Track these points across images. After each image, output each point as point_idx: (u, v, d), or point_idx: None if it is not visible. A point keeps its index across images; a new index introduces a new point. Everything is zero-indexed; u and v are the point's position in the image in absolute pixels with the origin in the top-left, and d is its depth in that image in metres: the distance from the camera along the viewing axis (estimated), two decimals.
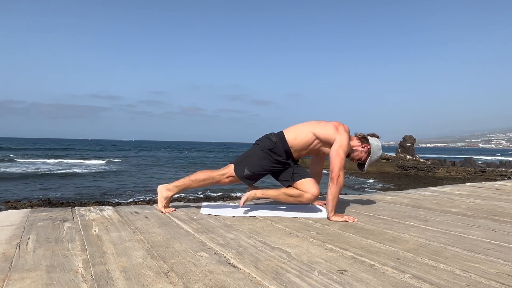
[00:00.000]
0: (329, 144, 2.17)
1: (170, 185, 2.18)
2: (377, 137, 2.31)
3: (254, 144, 2.27)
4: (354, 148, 2.23)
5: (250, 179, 2.17)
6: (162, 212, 2.11)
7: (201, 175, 2.17)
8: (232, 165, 2.19)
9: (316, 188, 2.12)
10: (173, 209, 2.18)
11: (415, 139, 28.37)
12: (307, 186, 2.11)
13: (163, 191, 2.17)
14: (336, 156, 2.08)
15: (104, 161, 30.11)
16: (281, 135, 2.19)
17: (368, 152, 2.25)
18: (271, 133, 2.24)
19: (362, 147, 2.24)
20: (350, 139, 2.20)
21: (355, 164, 2.33)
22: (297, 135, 2.18)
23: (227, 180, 2.18)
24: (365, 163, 2.27)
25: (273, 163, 2.15)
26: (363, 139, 2.26)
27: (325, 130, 2.17)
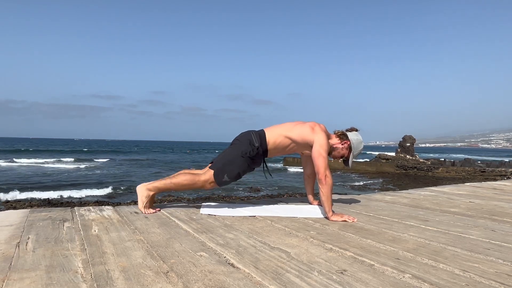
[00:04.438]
0: (308, 145, 2.18)
1: (150, 185, 2.11)
2: (356, 130, 2.30)
3: (233, 143, 2.23)
4: (334, 146, 2.23)
5: (229, 183, 2.18)
6: (144, 213, 2.05)
7: (183, 179, 2.11)
8: (212, 171, 2.14)
9: (210, 183, 2.13)
10: (156, 209, 2.11)
11: (415, 139, 28.38)
12: (209, 174, 2.13)
13: (143, 190, 2.09)
14: (319, 157, 2.07)
15: (105, 161, 30.10)
16: (262, 136, 2.19)
17: (349, 148, 2.25)
18: (251, 133, 2.21)
19: (342, 144, 2.24)
20: (328, 137, 2.21)
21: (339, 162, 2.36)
22: (276, 138, 2.19)
23: (209, 186, 2.15)
24: (348, 159, 2.28)
25: (247, 168, 2.18)
26: (342, 136, 2.25)
27: (300, 132, 2.17)
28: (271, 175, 2.40)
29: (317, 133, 2.14)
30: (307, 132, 2.16)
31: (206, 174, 2.14)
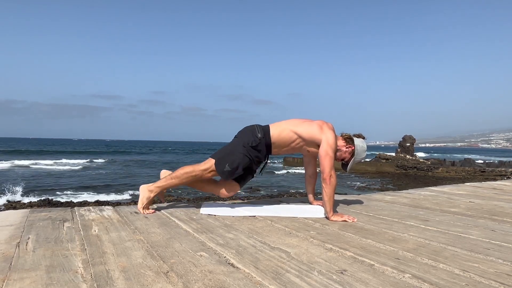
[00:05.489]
0: (314, 143, 2.17)
1: (152, 186, 2.12)
2: (363, 138, 2.30)
3: (237, 136, 2.22)
4: (338, 148, 2.21)
5: (230, 175, 2.15)
6: (142, 213, 2.06)
7: (182, 172, 2.12)
8: (213, 160, 2.14)
9: (230, 194, 2.23)
10: (153, 210, 2.13)
11: (414, 139, 28.37)
12: (228, 187, 2.21)
13: (145, 192, 2.11)
14: (326, 156, 2.06)
15: (105, 161, 30.10)
16: (266, 129, 2.18)
17: (352, 153, 2.24)
18: (255, 126, 2.20)
19: (346, 148, 2.23)
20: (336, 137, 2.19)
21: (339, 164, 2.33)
22: (280, 132, 2.17)
23: (209, 175, 2.15)
24: (348, 164, 2.26)
25: (250, 161, 2.14)
26: (348, 140, 2.24)
27: (309, 129, 2.15)
28: (261, 173, 2.38)
29: (326, 132, 2.12)
30: (315, 130, 2.14)
31: (206, 164, 2.15)
